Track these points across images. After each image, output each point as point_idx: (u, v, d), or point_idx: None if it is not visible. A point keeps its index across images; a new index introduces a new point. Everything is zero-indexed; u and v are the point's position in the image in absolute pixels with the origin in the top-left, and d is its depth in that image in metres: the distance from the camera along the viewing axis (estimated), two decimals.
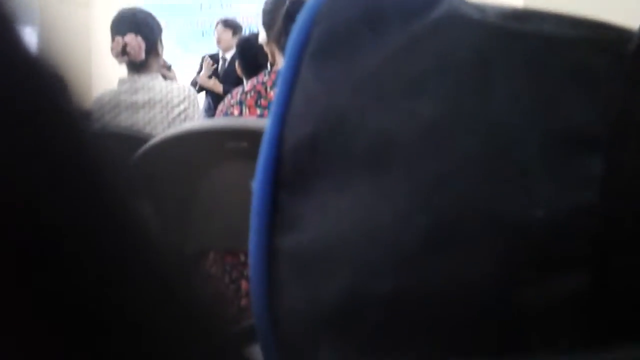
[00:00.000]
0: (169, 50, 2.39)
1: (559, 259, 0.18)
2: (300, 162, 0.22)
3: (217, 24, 4.07)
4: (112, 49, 2.02)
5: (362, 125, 0.21)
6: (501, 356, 0.18)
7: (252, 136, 1.19)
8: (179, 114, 1.95)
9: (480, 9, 0.21)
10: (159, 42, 2.05)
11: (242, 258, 1.29)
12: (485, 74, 0.19)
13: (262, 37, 1.41)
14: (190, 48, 5.16)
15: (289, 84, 0.23)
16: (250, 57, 2.56)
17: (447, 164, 0.19)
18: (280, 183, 0.22)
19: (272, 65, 1.44)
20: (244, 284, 1.28)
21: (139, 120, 1.91)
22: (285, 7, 1.33)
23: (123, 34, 1.99)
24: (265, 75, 1.35)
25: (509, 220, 0.18)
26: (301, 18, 0.23)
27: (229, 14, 5.16)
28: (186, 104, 1.97)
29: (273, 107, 0.23)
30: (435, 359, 0.18)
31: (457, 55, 0.20)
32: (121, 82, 2.01)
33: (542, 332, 0.18)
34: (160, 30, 2.09)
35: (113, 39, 2.01)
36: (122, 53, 1.99)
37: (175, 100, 1.96)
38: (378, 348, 0.19)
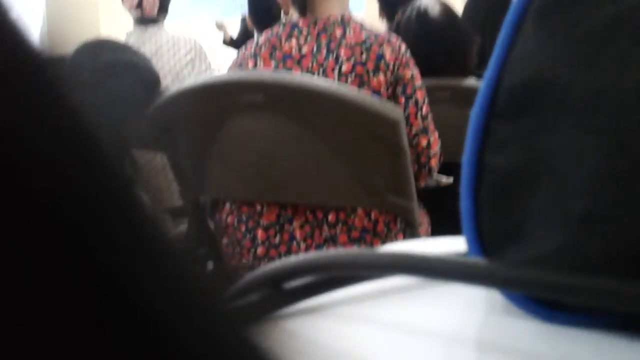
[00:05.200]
0: (176, 3, 2.37)
1: None
2: (514, 100, 0.25)
3: None
4: (125, 1, 2.02)
5: (575, 80, 0.24)
6: None
7: (266, 89, 1.21)
8: (186, 65, 1.96)
9: None
10: (170, 1, 2.06)
11: (258, 208, 1.31)
12: None
13: None
14: (202, 3, 5.11)
15: (512, 32, 0.26)
16: (262, 9, 2.55)
17: None
18: (494, 113, 0.25)
19: (286, 15, 1.44)
20: (259, 233, 1.31)
21: None
22: None
23: None
24: (280, 27, 1.36)
25: None
26: None
27: None
28: (192, 54, 1.98)
29: (496, 50, 0.26)
30: None
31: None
32: (129, 35, 2.01)
33: None
34: None
35: None
36: (137, 5, 1.99)
37: (182, 50, 1.97)
38: None
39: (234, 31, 3.77)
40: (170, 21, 2.15)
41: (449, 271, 0.22)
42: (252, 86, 1.20)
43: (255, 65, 1.33)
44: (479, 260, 0.25)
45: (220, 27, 3.78)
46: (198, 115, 1.30)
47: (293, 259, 0.26)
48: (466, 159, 0.26)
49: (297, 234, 1.30)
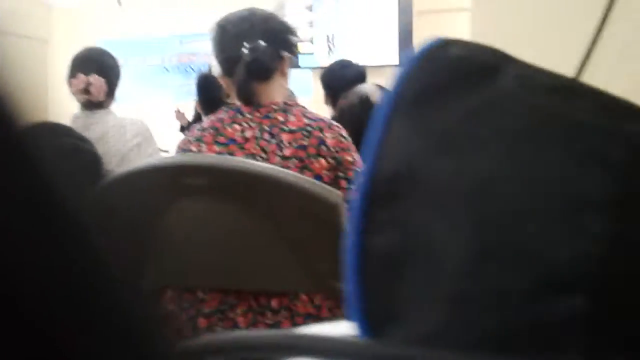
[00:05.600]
0: (128, 88, 2.39)
1: (567, 283, 0.22)
2: (388, 186, 0.27)
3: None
4: (72, 85, 2.02)
5: (432, 169, 0.26)
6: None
7: (209, 172, 1.21)
8: (132, 148, 1.96)
9: (531, 83, 0.27)
10: (117, 87, 2.07)
11: (200, 295, 1.28)
12: (527, 144, 0.25)
13: (217, 71, 1.44)
14: (150, 84, 5.17)
15: (384, 124, 0.28)
16: (209, 93, 2.59)
17: (497, 208, 0.24)
18: (373, 199, 0.27)
19: (228, 98, 1.46)
20: (201, 321, 1.28)
21: None
22: (244, 62, 1.36)
23: (87, 73, 2.00)
24: (223, 112, 1.38)
25: (541, 253, 0.23)
26: (398, 74, 0.29)
27: (189, 51, 5.20)
28: (139, 138, 1.98)
29: (369, 144, 0.28)
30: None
31: (509, 127, 0.25)
32: (74, 118, 2.01)
33: (549, 344, 0.22)
34: (120, 75, 2.11)
35: (74, 75, 2.02)
36: (84, 91, 1.99)
37: (128, 134, 1.97)
38: None
39: (189, 115, 3.80)
40: (123, 105, 2.16)
41: (323, 349, 0.23)
42: (195, 170, 1.20)
43: (198, 149, 1.33)
44: (355, 340, 0.26)
45: (179, 116, 3.81)
46: (139, 198, 1.28)
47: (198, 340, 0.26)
48: (350, 242, 0.27)
49: (240, 321, 1.27)
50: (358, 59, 2.68)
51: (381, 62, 4.36)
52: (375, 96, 1.79)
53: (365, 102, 1.78)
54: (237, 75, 1.38)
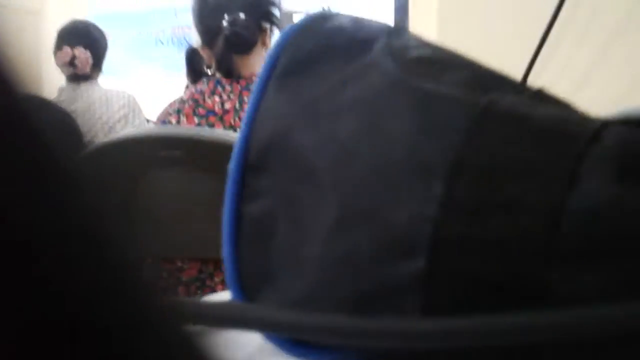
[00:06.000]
0: (122, 60, 2.39)
1: (407, 246, 0.23)
2: (260, 154, 0.28)
3: None
4: (57, 57, 2.02)
5: (300, 138, 0.27)
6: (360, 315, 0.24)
7: (185, 144, 1.22)
8: (119, 119, 1.96)
9: (400, 54, 0.28)
10: (103, 59, 2.07)
11: (179, 264, 1.30)
12: (381, 114, 0.26)
13: (197, 41, 1.44)
14: (145, 57, 5.14)
15: (259, 92, 0.29)
16: (197, 66, 2.57)
17: (352, 176, 0.25)
18: (248, 166, 0.29)
19: (209, 69, 1.47)
20: (181, 290, 1.30)
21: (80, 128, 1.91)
22: (224, 35, 1.36)
23: (72, 45, 2.00)
24: (203, 84, 1.38)
25: (387, 218, 0.24)
26: (274, 45, 0.30)
27: (182, 24, 5.16)
28: (126, 109, 1.98)
29: (247, 108, 0.29)
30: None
31: (367, 98, 0.26)
32: (60, 90, 2.01)
33: (393, 306, 0.23)
34: (107, 47, 2.10)
35: (60, 48, 2.02)
36: (70, 64, 1.99)
37: (115, 105, 1.97)
38: None
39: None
40: (116, 77, 2.16)
41: (201, 315, 0.24)
42: (171, 142, 1.21)
43: (178, 121, 1.34)
44: (226, 303, 0.27)
45: None
46: (117, 170, 1.30)
47: None
48: (226, 209, 0.28)
49: (219, 289, 1.29)
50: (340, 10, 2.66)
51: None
52: None
53: None
54: (217, 48, 1.38)
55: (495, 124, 0.24)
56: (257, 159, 0.28)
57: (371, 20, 0.30)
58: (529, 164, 0.22)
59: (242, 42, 1.38)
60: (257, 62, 1.41)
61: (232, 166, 0.29)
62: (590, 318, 0.20)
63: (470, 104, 0.24)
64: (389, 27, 0.30)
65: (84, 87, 2.00)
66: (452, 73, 0.27)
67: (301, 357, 0.25)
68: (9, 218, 0.10)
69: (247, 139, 0.28)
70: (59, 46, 2.03)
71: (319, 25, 0.29)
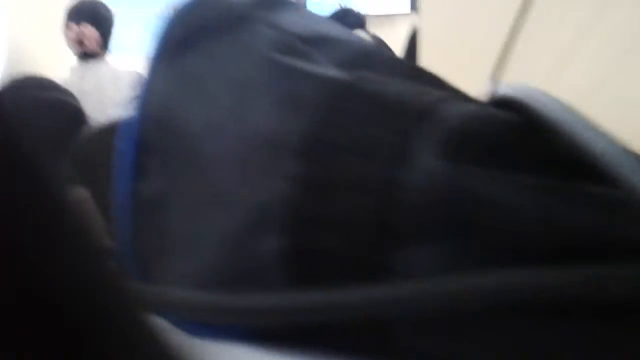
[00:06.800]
0: (134, 38, 2.41)
1: (268, 223, 0.24)
2: (151, 133, 0.28)
3: None
4: (66, 36, 2.03)
5: (180, 116, 0.28)
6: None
7: None
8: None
9: (275, 32, 0.28)
10: (110, 36, 2.07)
11: None
12: (251, 91, 0.26)
13: None
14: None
15: (151, 72, 0.29)
16: None
17: (216, 156, 0.26)
18: (139, 147, 0.29)
19: None
20: None
21: (90, 106, 1.92)
22: None
23: (78, 22, 2.00)
24: None
25: (251, 196, 0.24)
26: (164, 21, 0.30)
27: None
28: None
29: (140, 88, 0.29)
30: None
31: (241, 77, 0.27)
32: (72, 69, 2.02)
33: (259, 280, 0.24)
34: (113, 24, 2.10)
35: (67, 26, 2.02)
36: (78, 42, 2.00)
37: (123, 84, 1.98)
38: None
39: None
40: (126, 55, 2.17)
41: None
42: None
43: None
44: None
45: None
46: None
47: None
48: (118, 187, 0.29)
49: None
50: (368, 8, 2.65)
51: (392, 11, 4.27)
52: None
53: None
54: None
55: (352, 102, 0.24)
56: (148, 139, 0.28)
57: None
58: (372, 141, 0.22)
59: None
60: None
61: (123, 146, 0.29)
62: (421, 292, 0.20)
63: (332, 81, 0.24)
64: (271, 2, 0.29)
65: (93, 65, 2.02)
66: (328, 51, 0.27)
67: (195, 334, 0.25)
68: None
69: (138, 118, 0.28)
70: (66, 24, 2.04)
71: (204, 2, 0.29)
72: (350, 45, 0.27)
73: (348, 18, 2.40)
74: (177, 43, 0.29)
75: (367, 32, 1.87)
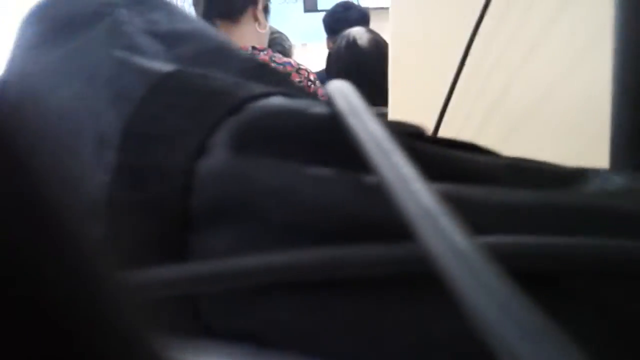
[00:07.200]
0: None
1: (92, 214, 0.24)
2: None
3: None
4: None
5: (44, 103, 0.28)
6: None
7: None
8: None
9: (124, 28, 0.29)
10: None
11: None
12: (89, 83, 0.27)
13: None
14: None
15: (9, 62, 0.31)
16: None
17: (65, 143, 0.25)
18: None
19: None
20: None
21: None
22: None
23: None
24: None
25: (84, 185, 0.25)
26: (32, 8, 0.31)
27: None
28: None
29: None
30: None
31: (86, 69, 0.28)
32: None
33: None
34: None
35: None
36: None
37: None
38: None
39: None
40: None
41: None
42: None
43: None
44: None
45: None
46: None
47: None
48: None
49: None
50: (364, 1, 2.63)
51: (387, 4, 4.26)
52: (363, 39, 1.77)
53: (352, 46, 1.77)
54: (199, 9, 1.37)
55: (169, 94, 0.25)
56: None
57: None
58: (178, 133, 0.24)
59: (225, 2, 1.37)
60: (246, 35, 1.40)
61: None
62: (211, 270, 0.22)
63: (152, 74, 0.25)
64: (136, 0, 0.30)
65: None
66: (179, 48, 0.28)
67: None
68: None
69: None
70: None
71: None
72: (202, 42, 0.28)
73: (351, 12, 2.40)
74: (46, 32, 0.30)
75: (368, 29, 1.86)
